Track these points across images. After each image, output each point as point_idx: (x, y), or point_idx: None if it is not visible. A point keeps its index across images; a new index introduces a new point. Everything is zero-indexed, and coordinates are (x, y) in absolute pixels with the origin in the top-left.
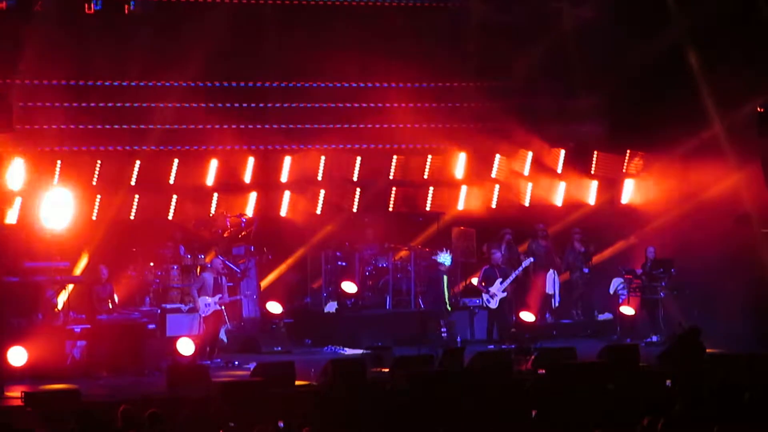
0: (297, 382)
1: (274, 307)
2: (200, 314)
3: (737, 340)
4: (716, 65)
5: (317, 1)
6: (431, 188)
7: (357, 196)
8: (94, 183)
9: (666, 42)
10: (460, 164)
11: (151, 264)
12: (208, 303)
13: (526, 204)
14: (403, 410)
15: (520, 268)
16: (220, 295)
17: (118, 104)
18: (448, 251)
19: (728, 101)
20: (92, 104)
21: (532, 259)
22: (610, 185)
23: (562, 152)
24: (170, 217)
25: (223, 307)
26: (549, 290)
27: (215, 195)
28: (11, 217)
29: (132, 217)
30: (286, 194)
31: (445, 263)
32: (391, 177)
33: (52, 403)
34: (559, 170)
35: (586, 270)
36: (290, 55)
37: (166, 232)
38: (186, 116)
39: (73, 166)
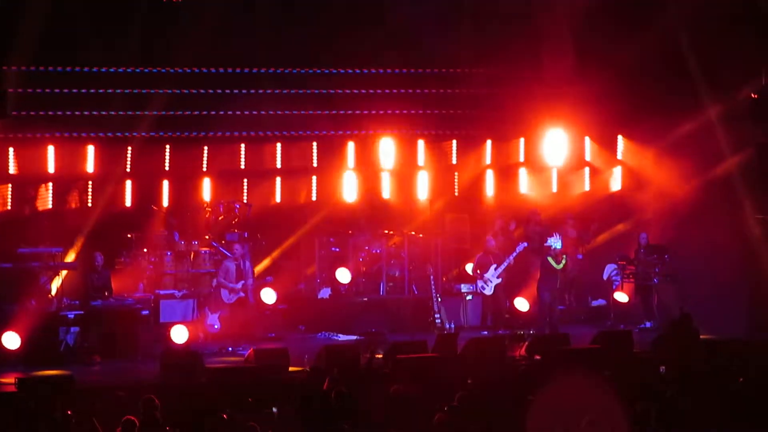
0: (291, 368)
1: (268, 294)
2: (226, 302)
3: (731, 325)
4: (711, 52)
5: None
6: (424, 174)
7: (349, 182)
8: (89, 170)
9: (661, 28)
10: (453, 151)
11: (145, 250)
12: (232, 290)
13: (522, 190)
14: (398, 396)
15: (514, 254)
16: (243, 281)
17: (114, 90)
18: (558, 235)
19: (723, 88)
20: (88, 90)
21: (525, 244)
22: (603, 171)
23: (554, 139)
24: (165, 204)
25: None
26: (540, 275)
27: (207, 180)
28: (4, 204)
29: (128, 204)
30: (279, 181)
31: (557, 246)
32: (383, 163)
33: (46, 389)
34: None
35: (579, 256)
36: (284, 40)
37: (161, 218)
38: (179, 103)
39: (66, 152)
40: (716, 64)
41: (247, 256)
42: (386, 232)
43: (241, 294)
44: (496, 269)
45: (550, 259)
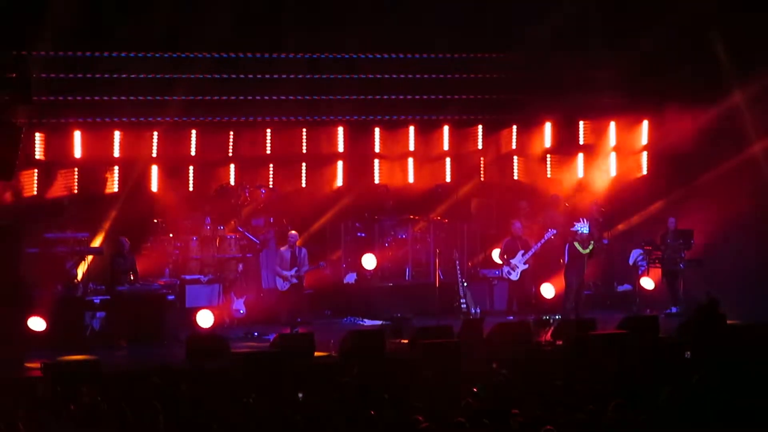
0: (316, 353)
1: None
2: (280, 289)
3: (758, 310)
4: (737, 35)
5: None
6: (449, 159)
7: (377, 168)
8: (115, 155)
9: (687, 12)
10: (478, 136)
11: (171, 235)
12: (285, 277)
13: (547, 175)
14: (423, 380)
15: (542, 241)
16: (297, 268)
17: (140, 75)
18: (585, 220)
19: (748, 70)
20: (112, 75)
21: (554, 231)
22: (628, 156)
23: (581, 124)
24: (191, 188)
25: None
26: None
27: (232, 166)
28: (31, 189)
29: (154, 189)
30: (305, 166)
31: (584, 231)
32: (411, 149)
33: (72, 373)
34: (581, 142)
35: (605, 240)
36: (309, 26)
37: (190, 203)
38: (205, 88)
39: (93, 138)
40: (744, 46)
41: (272, 241)
42: (412, 217)
43: (294, 281)
44: (523, 255)
45: (576, 244)
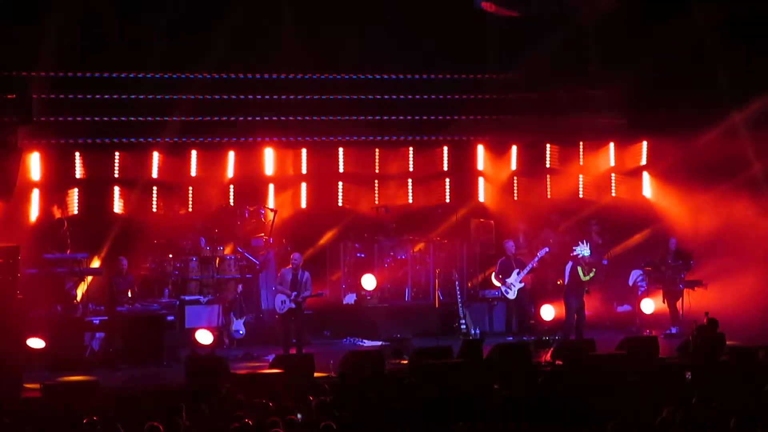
0: (316, 374)
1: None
2: (278, 311)
3: (757, 332)
4: (736, 55)
5: None
6: (449, 180)
7: (376, 188)
8: (116, 175)
9: (686, 32)
10: (479, 156)
11: (170, 255)
12: (283, 300)
13: (547, 196)
14: (422, 402)
15: (536, 258)
16: (296, 293)
17: (138, 96)
18: (587, 243)
19: (747, 91)
20: (111, 96)
21: (547, 249)
22: (629, 177)
23: (581, 144)
24: (190, 209)
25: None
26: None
27: (231, 187)
28: (31, 210)
29: (154, 209)
30: (305, 186)
31: (585, 254)
32: (410, 169)
33: (71, 394)
34: (580, 162)
35: (605, 261)
36: (308, 46)
37: (187, 223)
38: (204, 108)
39: (92, 158)
40: (741, 67)
41: (272, 262)
42: (411, 237)
43: (293, 305)
44: (518, 274)
45: (579, 269)
